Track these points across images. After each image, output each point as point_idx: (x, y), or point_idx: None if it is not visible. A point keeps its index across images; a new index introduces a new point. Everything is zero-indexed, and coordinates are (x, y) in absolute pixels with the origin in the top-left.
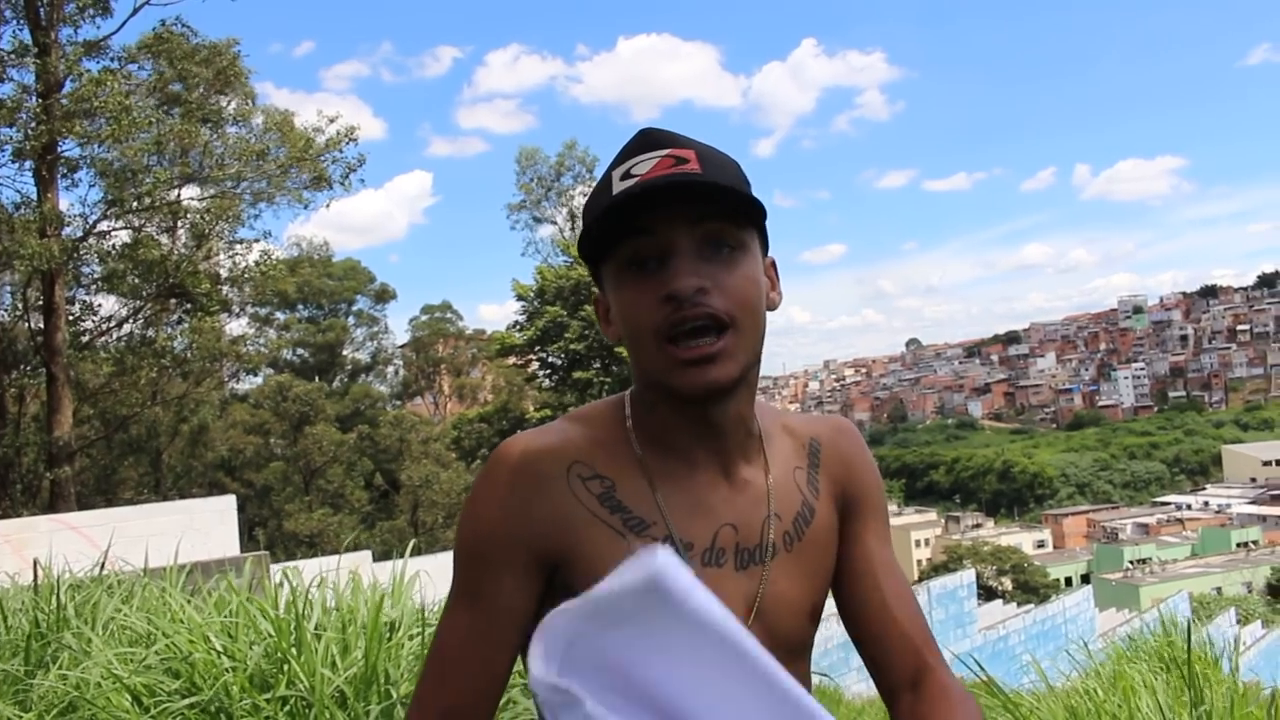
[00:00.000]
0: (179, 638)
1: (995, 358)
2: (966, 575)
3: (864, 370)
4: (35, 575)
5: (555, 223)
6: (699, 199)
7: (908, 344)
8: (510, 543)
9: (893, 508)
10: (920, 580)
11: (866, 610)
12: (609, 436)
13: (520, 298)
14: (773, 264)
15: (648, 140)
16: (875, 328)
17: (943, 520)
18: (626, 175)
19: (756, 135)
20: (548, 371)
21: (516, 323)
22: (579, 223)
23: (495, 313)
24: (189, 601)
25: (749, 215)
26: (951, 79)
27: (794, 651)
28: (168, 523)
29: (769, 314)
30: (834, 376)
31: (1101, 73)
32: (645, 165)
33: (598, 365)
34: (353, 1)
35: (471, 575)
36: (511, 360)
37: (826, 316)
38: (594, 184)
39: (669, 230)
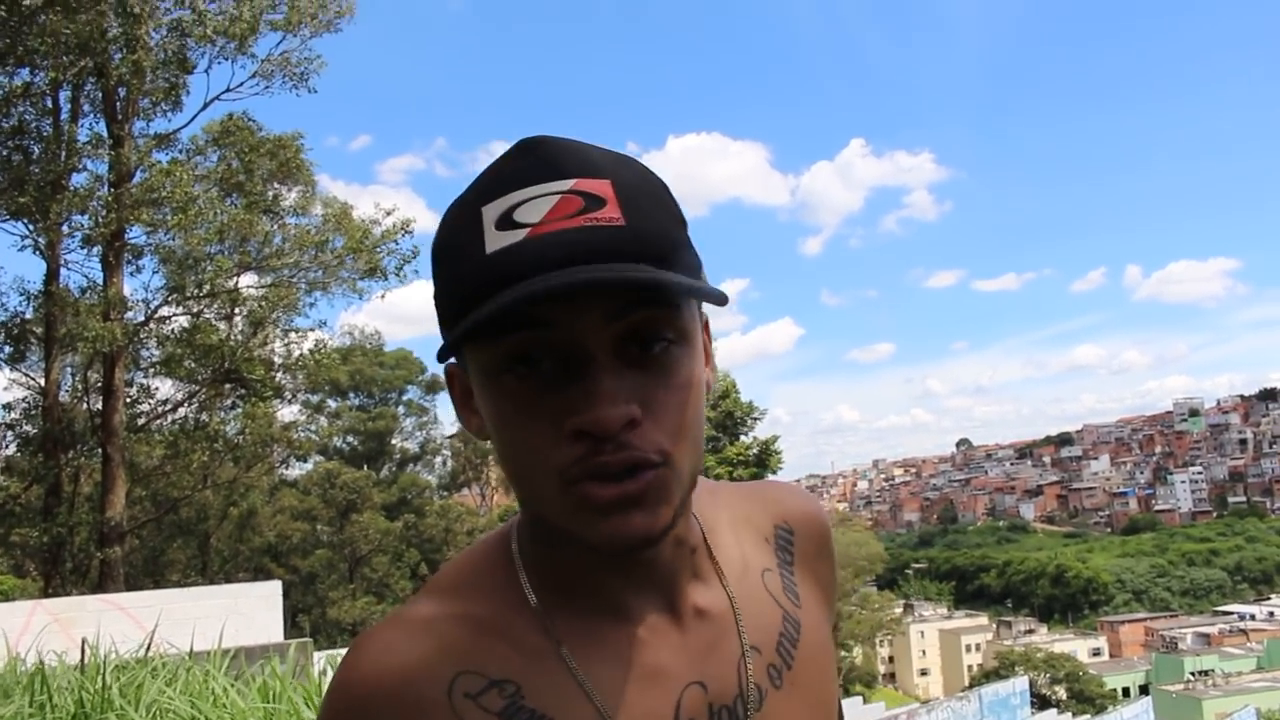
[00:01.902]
0: None
1: (1047, 459)
2: (1020, 683)
3: (913, 470)
4: (83, 655)
5: None
6: (623, 289)
7: (958, 444)
8: None
9: (942, 610)
10: (971, 686)
11: None
12: (497, 607)
13: None
14: (706, 326)
15: (536, 159)
16: (925, 427)
17: (994, 625)
18: (507, 221)
19: (805, 233)
20: None
21: None
22: None
23: None
24: (233, 686)
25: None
26: (1000, 179)
27: None
28: (213, 606)
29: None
30: (883, 476)
31: (1152, 173)
32: (537, 208)
33: None
34: (409, 98)
35: None
36: None
37: (875, 415)
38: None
39: (576, 326)
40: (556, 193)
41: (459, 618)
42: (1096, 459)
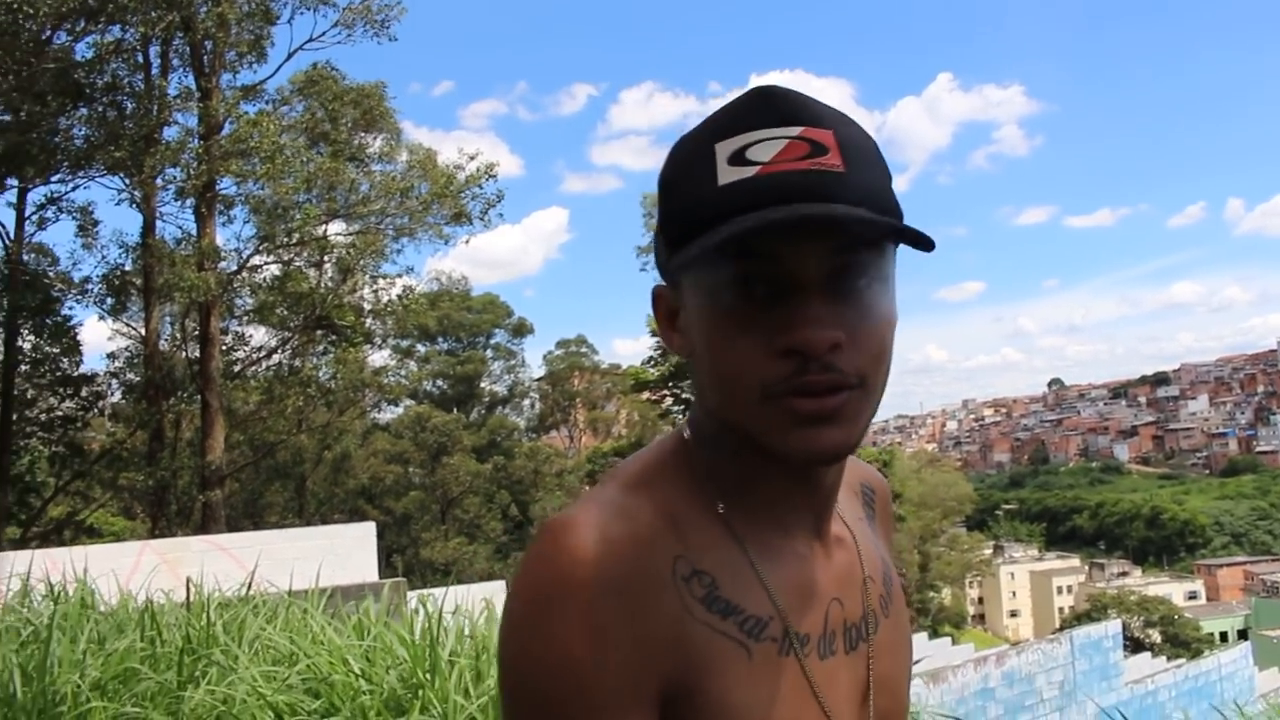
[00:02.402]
0: (320, 659)
1: (1142, 399)
2: (1112, 625)
3: (1004, 410)
4: (188, 593)
5: None
6: (845, 226)
7: (1050, 384)
8: (618, 688)
9: (1033, 552)
10: (1062, 629)
11: None
12: (685, 504)
13: (654, 333)
14: None
15: (769, 105)
16: (1015, 367)
17: (1086, 567)
18: (740, 158)
19: (892, 170)
20: (681, 407)
21: (650, 358)
22: None
23: (630, 347)
24: (329, 624)
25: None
26: (1094, 112)
27: None
28: (310, 547)
29: None
30: (972, 416)
31: (1257, 104)
32: (768, 149)
33: None
34: (490, 42)
35: None
36: (645, 395)
37: (964, 355)
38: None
39: (797, 258)
40: (786, 137)
41: (656, 509)
42: (1194, 399)
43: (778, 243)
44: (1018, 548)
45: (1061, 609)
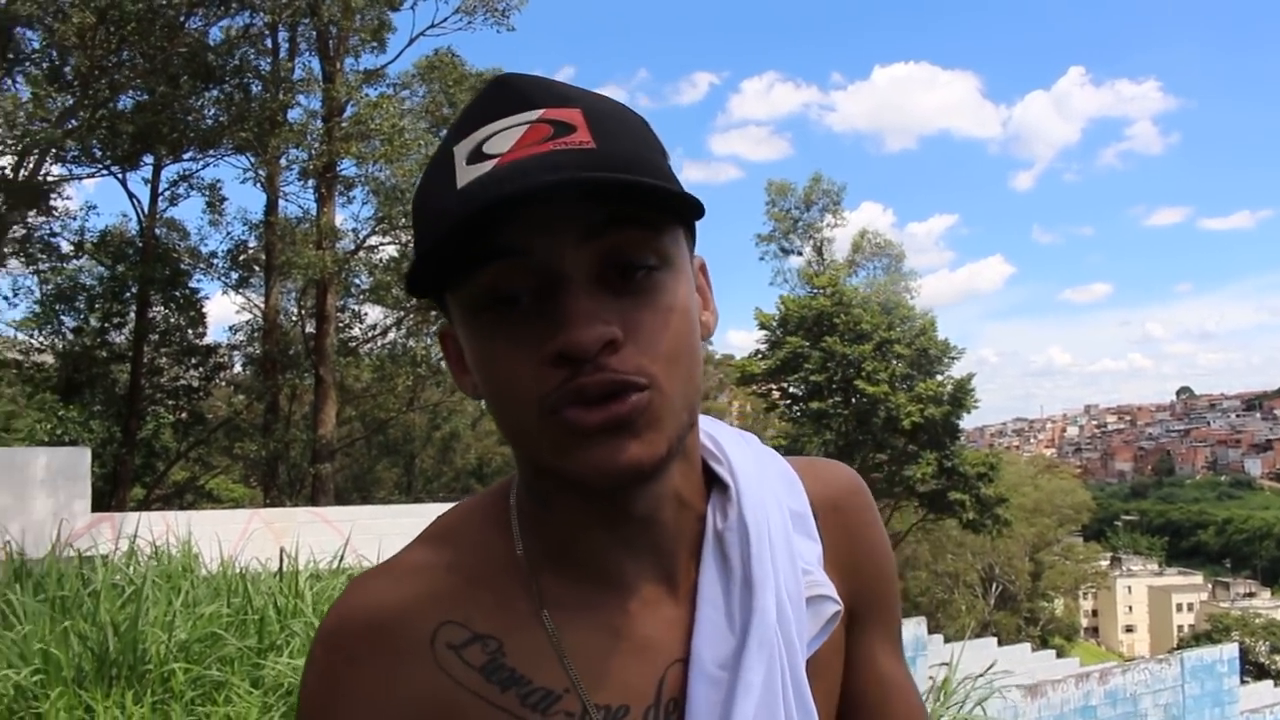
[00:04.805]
0: None
1: (1278, 412)
2: (1229, 649)
3: (1128, 417)
4: (281, 563)
5: (802, 254)
6: (598, 198)
7: (1178, 392)
8: None
9: (1152, 566)
10: (1179, 648)
11: None
12: (488, 562)
13: (763, 326)
14: (702, 268)
15: (506, 94)
16: (1142, 373)
17: (1209, 585)
18: (478, 154)
19: (1016, 167)
20: (788, 402)
21: (758, 351)
22: (826, 255)
23: (744, 339)
24: None
25: (675, 211)
26: (1234, 109)
27: None
28: (410, 524)
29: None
30: (1094, 422)
31: None
32: (506, 138)
33: (837, 398)
34: (612, 29)
35: None
36: (752, 388)
37: (1089, 359)
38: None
39: (551, 248)
40: (525, 122)
41: (450, 566)
42: None
43: (527, 235)
44: (1136, 561)
45: (1180, 627)
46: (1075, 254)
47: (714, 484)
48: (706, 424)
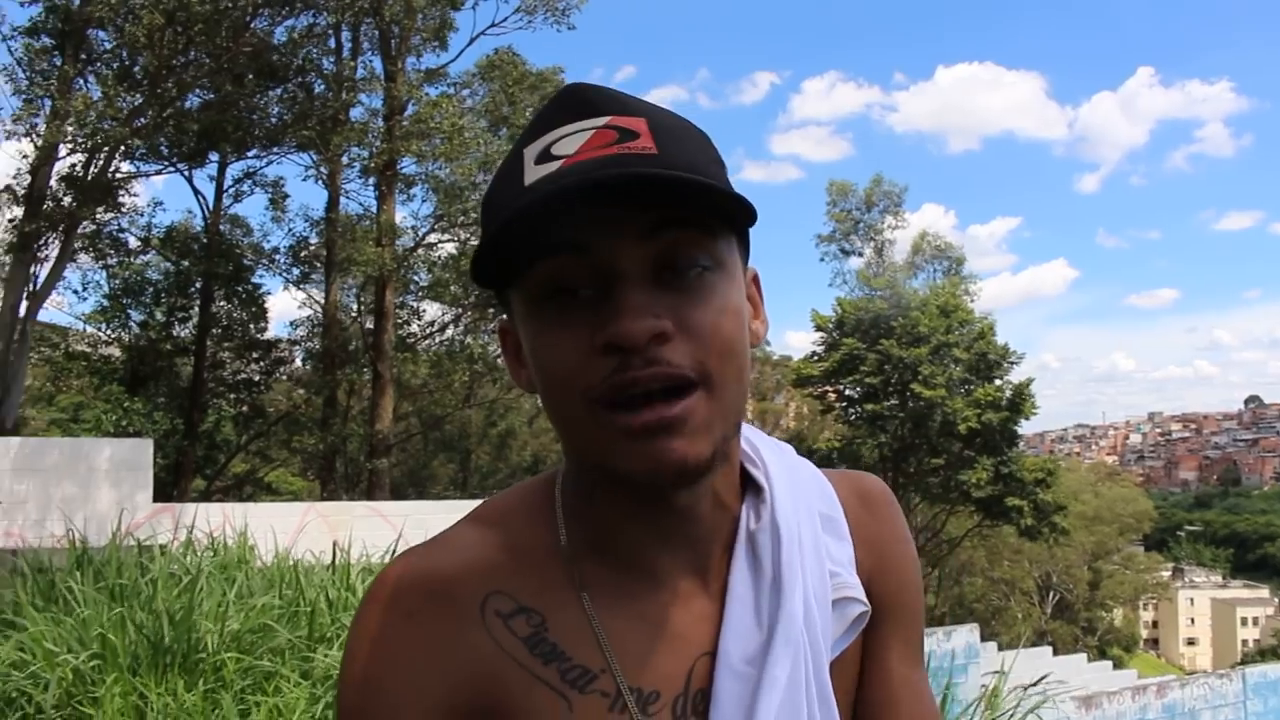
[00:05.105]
0: None
1: None
2: None
3: (1193, 426)
4: (333, 556)
5: (862, 255)
6: (657, 199)
7: (1246, 401)
8: (420, 711)
9: (1216, 578)
10: (1242, 663)
11: None
12: (533, 544)
13: (819, 328)
14: (755, 279)
15: (575, 102)
16: (1208, 381)
17: (1276, 599)
18: (546, 156)
19: (1081, 170)
20: (844, 404)
21: (814, 353)
22: (886, 257)
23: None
24: None
25: (729, 216)
26: None
27: None
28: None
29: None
30: (1158, 430)
31: None
32: (573, 141)
33: (893, 401)
34: (673, 29)
35: None
36: (808, 390)
37: (1153, 365)
38: (881, 215)
39: (610, 246)
40: (592, 128)
41: (494, 543)
42: None
43: (589, 232)
44: (1200, 572)
45: (1245, 642)
46: (1141, 258)
47: (749, 486)
48: (744, 429)
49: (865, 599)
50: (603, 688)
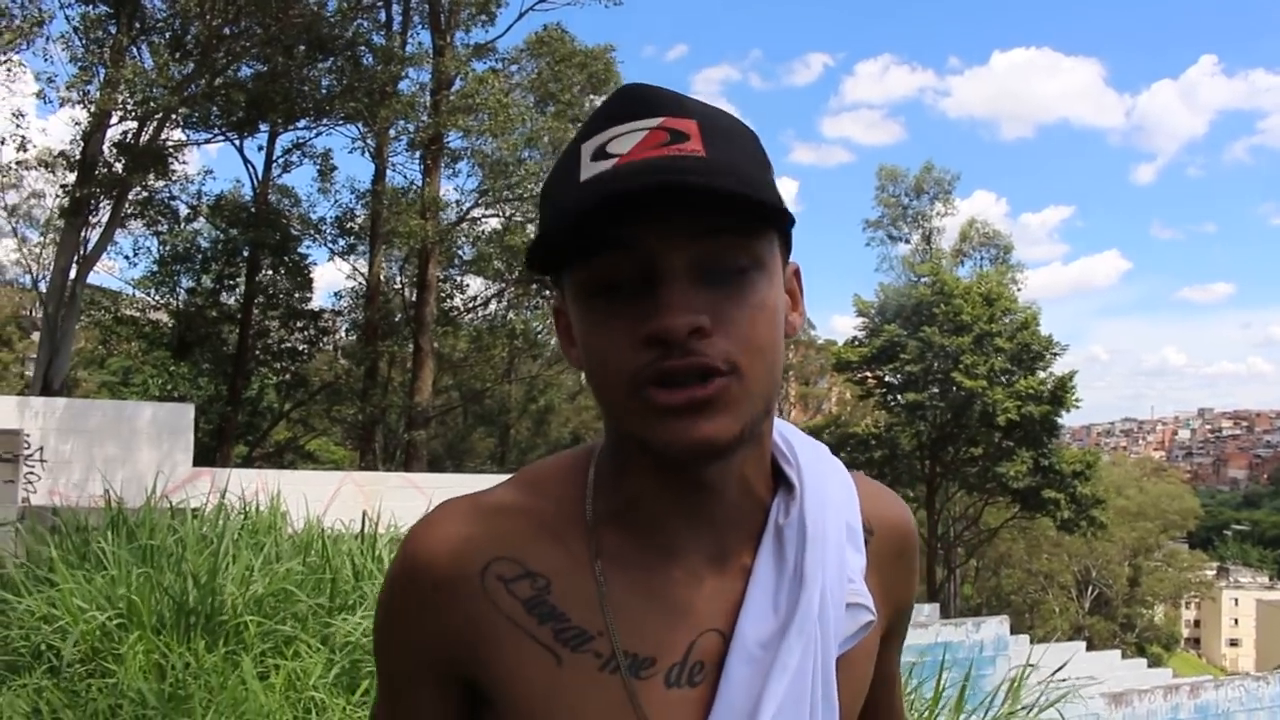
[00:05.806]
0: None
1: None
2: None
3: (1245, 423)
4: (362, 525)
5: (910, 241)
6: (702, 202)
7: None
8: (417, 661)
9: (1263, 579)
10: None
11: None
12: (559, 512)
13: (861, 313)
14: (796, 273)
15: (631, 101)
16: (1262, 378)
17: None
18: (601, 153)
19: (1138, 159)
20: (883, 391)
21: (855, 338)
22: (934, 244)
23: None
24: None
25: (770, 219)
26: None
27: None
28: None
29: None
30: (1208, 426)
31: None
32: (627, 141)
33: (934, 390)
34: (725, 7)
35: (387, 684)
36: (848, 375)
37: (1205, 360)
38: (928, 200)
39: (657, 245)
40: (646, 128)
41: (524, 510)
42: None
43: (637, 229)
44: (1245, 573)
45: None
46: (1196, 251)
47: (781, 482)
48: (783, 427)
49: (874, 609)
50: (597, 649)
